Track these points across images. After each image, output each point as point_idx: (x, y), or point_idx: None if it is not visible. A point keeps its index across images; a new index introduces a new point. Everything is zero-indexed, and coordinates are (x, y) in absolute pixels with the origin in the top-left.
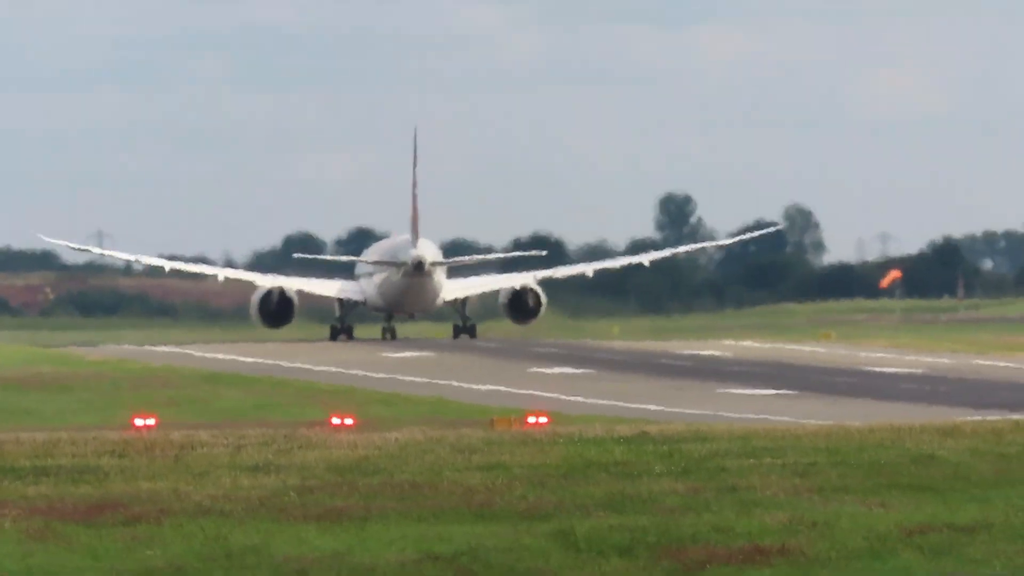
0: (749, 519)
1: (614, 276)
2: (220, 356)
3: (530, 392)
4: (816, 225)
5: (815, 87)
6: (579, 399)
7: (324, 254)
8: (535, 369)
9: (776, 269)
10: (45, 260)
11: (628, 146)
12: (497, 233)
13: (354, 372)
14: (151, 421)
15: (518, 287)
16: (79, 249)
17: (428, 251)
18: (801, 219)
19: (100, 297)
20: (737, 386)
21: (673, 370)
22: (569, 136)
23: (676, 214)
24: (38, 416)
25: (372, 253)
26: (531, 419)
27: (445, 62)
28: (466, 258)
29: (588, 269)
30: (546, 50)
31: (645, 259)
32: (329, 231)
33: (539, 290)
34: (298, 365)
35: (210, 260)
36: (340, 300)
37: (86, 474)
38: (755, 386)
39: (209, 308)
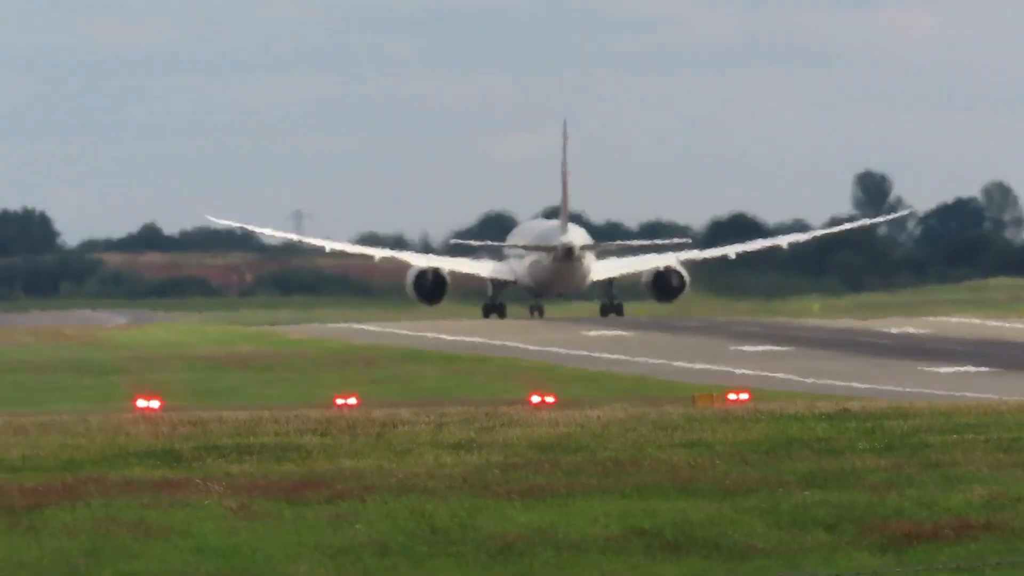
0: (953, 494)
1: (812, 253)
2: (421, 334)
3: (731, 369)
4: (1015, 201)
5: (1012, 63)
6: (780, 376)
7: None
8: (735, 347)
9: (976, 245)
10: (245, 240)
11: (824, 125)
12: (695, 214)
13: (554, 350)
14: (352, 400)
15: (662, 268)
16: (247, 231)
17: (577, 236)
18: (1000, 195)
19: (300, 277)
20: (939, 363)
21: (874, 348)
22: (764, 116)
23: (874, 192)
24: (240, 395)
25: (521, 235)
26: (732, 396)
27: (637, 43)
28: (612, 243)
29: (731, 251)
30: (738, 30)
31: (784, 240)
32: (525, 209)
33: (682, 270)
34: (499, 343)
35: (407, 240)
36: (492, 280)
37: (289, 452)
38: (957, 363)
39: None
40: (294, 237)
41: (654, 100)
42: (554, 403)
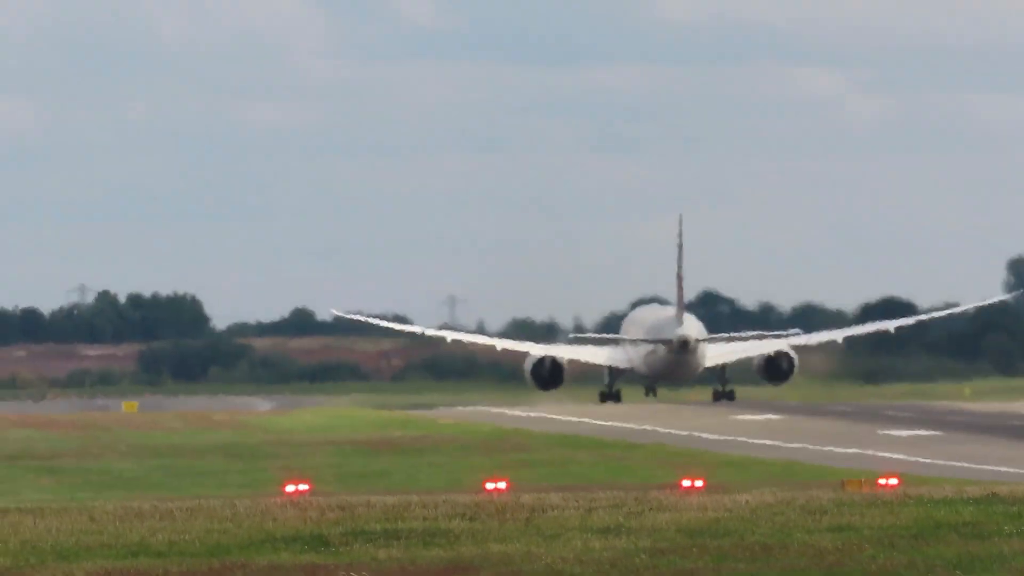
0: None
1: (964, 337)
2: (571, 419)
3: (880, 454)
4: None
5: None
6: (929, 461)
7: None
8: (885, 432)
9: None
10: (398, 325)
11: (976, 209)
12: (847, 297)
13: (704, 435)
14: (502, 484)
15: (772, 353)
16: (362, 321)
17: (693, 330)
18: None
19: (451, 362)
20: None
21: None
22: (917, 200)
23: None
24: (389, 479)
25: (634, 324)
26: (882, 480)
27: (792, 125)
28: (723, 335)
29: (839, 336)
30: (891, 113)
31: (891, 325)
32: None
33: (792, 353)
34: (649, 427)
35: (559, 325)
36: (609, 367)
37: (437, 537)
38: None
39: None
40: (417, 329)
41: (807, 183)
42: (703, 488)
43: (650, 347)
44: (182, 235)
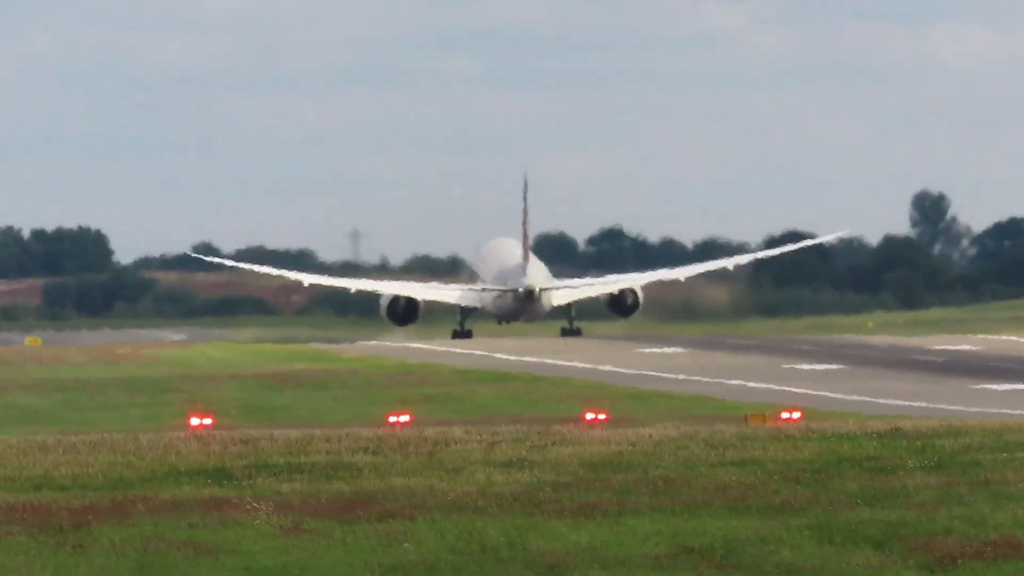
0: (1003, 513)
1: (868, 271)
2: (477, 352)
3: (784, 388)
4: None
5: None
6: (833, 395)
7: (576, 251)
8: (789, 365)
9: None
10: (301, 259)
11: (881, 144)
12: (750, 231)
13: (608, 368)
14: (405, 418)
15: (616, 291)
16: (221, 263)
17: (538, 278)
18: None
19: (356, 297)
20: (991, 381)
21: (927, 366)
22: (821, 135)
23: (931, 211)
24: (292, 413)
25: (484, 261)
26: (784, 415)
27: (695, 60)
28: (573, 281)
29: (681, 275)
30: (795, 48)
31: (729, 263)
32: (580, 230)
33: (638, 291)
34: (552, 362)
35: (460, 259)
36: (461, 307)
37: (340, 470)
38: (1010, 381)
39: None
40: (273, 271)
41: (711, 117)
42: (606, 421)
43: (498, 293)
44: (86, 170)
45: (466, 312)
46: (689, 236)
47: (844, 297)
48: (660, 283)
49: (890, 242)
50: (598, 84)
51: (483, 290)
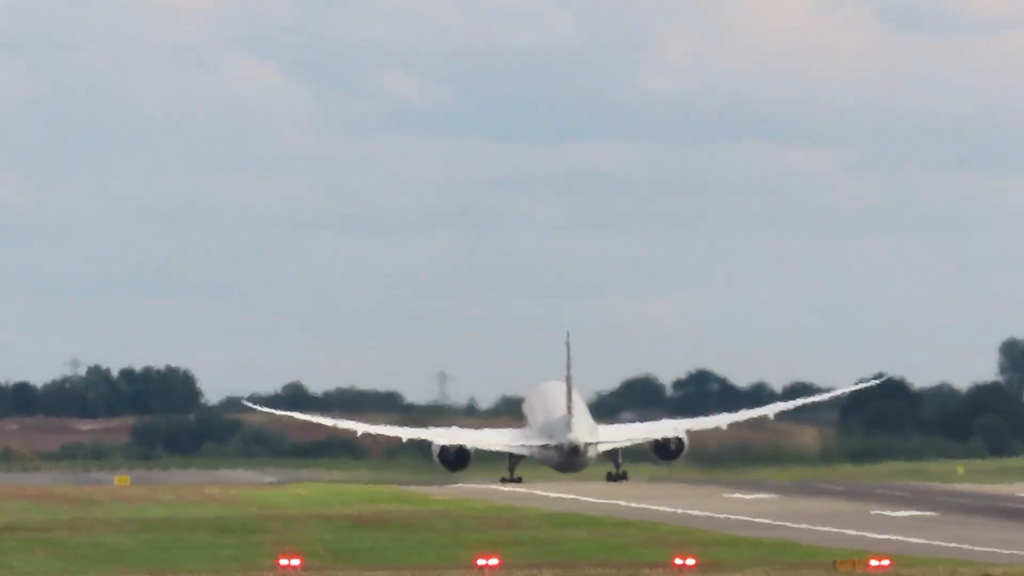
0: None
1: (957, 417)
2: (565, 496)
3: (874, 535)
4: None
5: None
6: (923, 541)
7: (663, 395)
8: (878, 512)
9: None
10: (389, 400)
11: (968, 290)
12: (840, 374)
13: (696, 513)
14: (494, 561)
15: (660, 438)
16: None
17: (582, 434)
18: None
19: None
20: None
21: (1017, 513)
22: (910, 280)
23: (1020, 358)
24: (381, 555)
25: (534, 408)
26: (874, 562)
27: (781, 204)
28: (620, 440)
29: (723, 422)
30: (880, 194)
31: (770, 411)
32: (667, 373)
33: (683, 436)
34: (641, 506)
35: None
36: (509, 455)
37: None
38: None
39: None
40: (328, 422)
41: (798, 261)
42: (695, 566)
43: (543, 445)
44: (174, 310)
45: (515, 459)
46: (778, 380)
47: (933, 443)
48: (751, 426)
49: (979, 389)
50: (683, 227)
51: (530, 442)
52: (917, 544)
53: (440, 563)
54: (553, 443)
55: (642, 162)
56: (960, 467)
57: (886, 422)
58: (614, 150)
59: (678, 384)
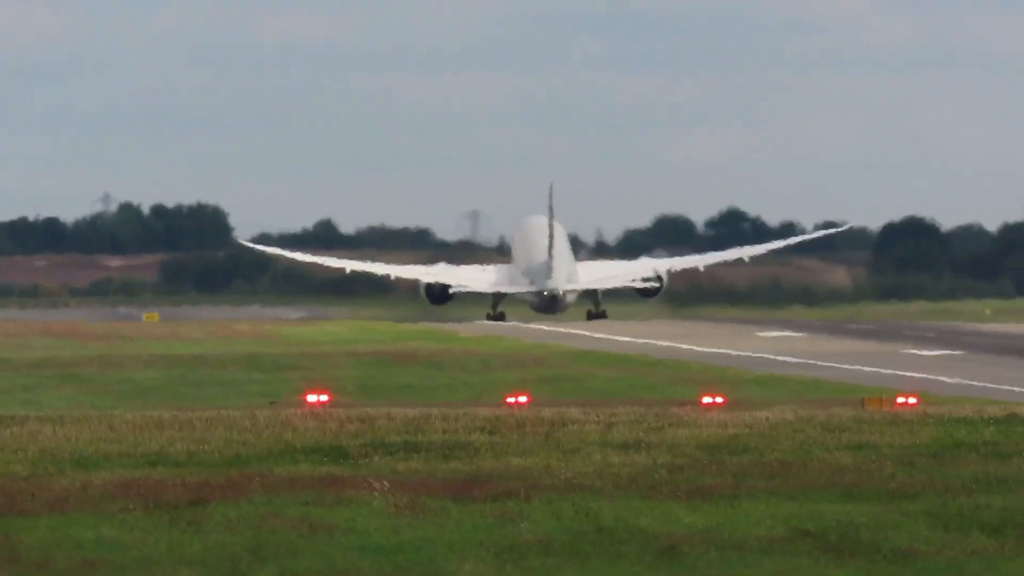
0: None
1: (986, 257)
2: (592, 334)
3: (901, 373)
4: None
5: None
6: (950, 380)
7: (695, 233)
8: (906, 351)
9: None
10: (420, 238)
11: (999, 132)
12: (870, 215)
13: (726, 352)
14: (523, 398)
15: (640, 279)
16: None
17: (561, 281)
18: None
19: None
20: None
21: None
22: (941, 122)
23: None
24: (410, 392)
25: (518, 245)
26: (901, 400)
27: (814, 45)
28: (598, 269)
29: (701, 263)
30: (916, 33)
31: (745, 253)
32: (700, 212)
33: (662, 274)
34: (665, 344)
35: (580, 239)
36: (492, 293)
37: (456, 450)
38: None
39: None
40: (318, 260)
41: (831, 101)
42: (723, 404)
43: (524, 290)
44: (206, 146)
45: (498, 296)
46: (809, 218)
47: (962, 283)
48: (781, 264)
49: (1008, 229)
50: (719, 67)
51: (511, 286)
52: (945, 383)
53: (469, 400)
54: (533, 289)
55: (678, 2)
56: (987, 308)
57: (916, 262)
58: None
59: (710, 223)
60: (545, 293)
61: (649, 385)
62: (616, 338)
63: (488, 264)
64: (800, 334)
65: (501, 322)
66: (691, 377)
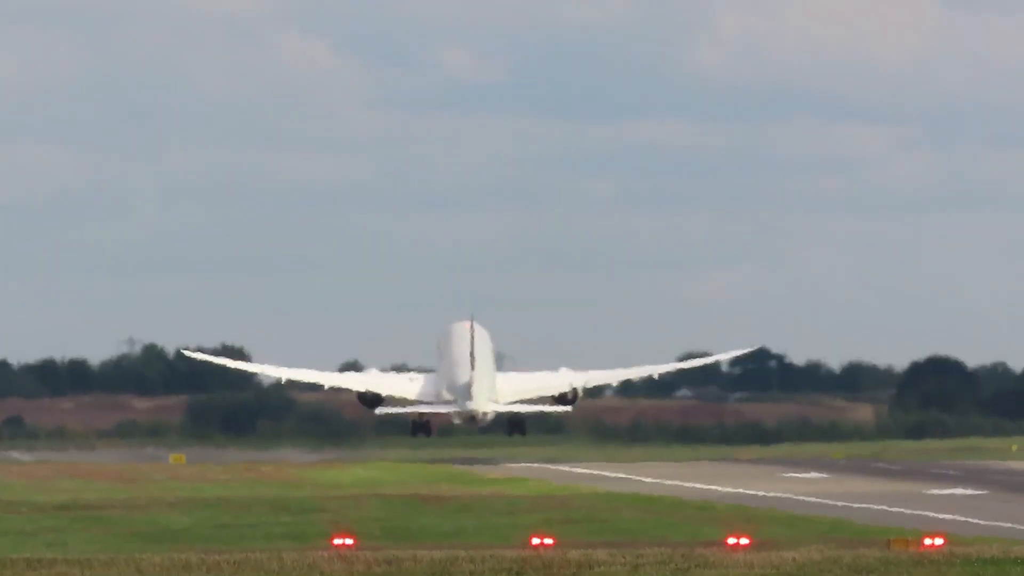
0: None
1: (1013, 395)
2: (618, 475)
3: (927, 513)
4: None
5: None
6: (976, 520)
7: (720, 372)
8: (932, 491)
9: None
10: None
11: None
12: (895, 355)
13: (750, 492)
14: (549, 540)
15: (556, 394)
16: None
17: (481, 404)
18: None
19: (498, 417)
20: None
21: None
22: (965, 260)
23: None
24: (436, 534)
25: (443, 354)
26: (928, 540)
27: (834, 183)
28: (517, 397)
29: (615, 378)
30: (934, 172)
31: (655, 371)
32: (723, 350)
33: (579, 388)
34: (693, 485)
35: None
36: (419, 401)
37: None
38: None
39: (606, 425)
40: (263, 369)
41: (853, 241)
42: (749, 545)
43: (446, 406)
44: (230, 287)
45: (424, 407)
46: (836, 359)
47: (989, 421)
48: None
49: None
50: (735, 205)
51: (434, 402)
52: (970, 523)
53: (495, 543)
54: (455, 409)
55: (694, 138)
56: (1014, 445)
57: (941, 400)
58: (667, 126)
59: (735, 361)
60: (465, 414)
61: (675, 525)
62: (644, 479)
63: (417, 373)
64: (825, 474)
65: (427, 435)
66: (717, 518)
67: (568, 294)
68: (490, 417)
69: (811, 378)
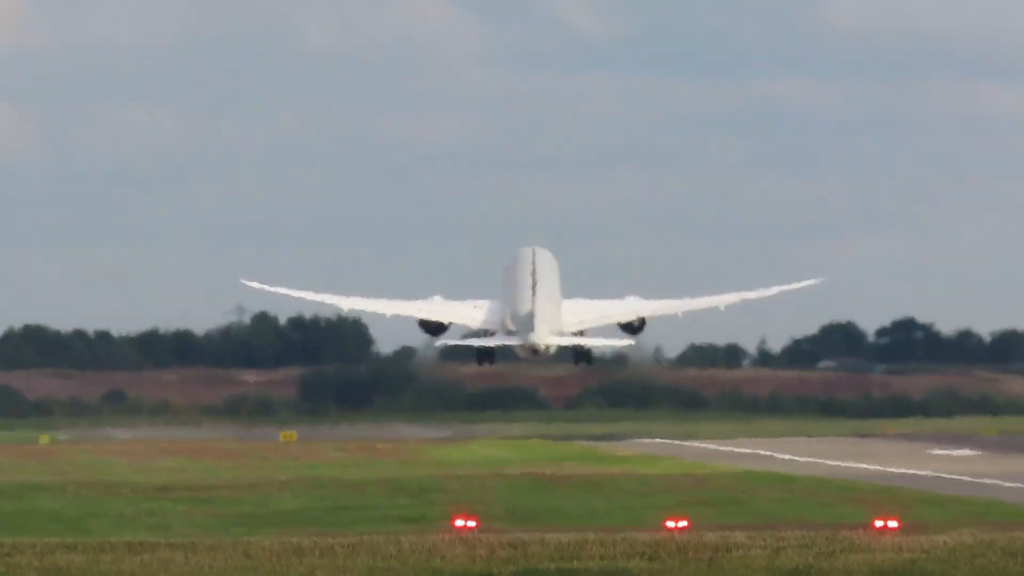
0: None
1: None
2: (754, 452)
3: None
4: None
5: None
6: None
7: (865, 342)
8: None
9: None
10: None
11: None
12: None
13: (895, 470)
14: (684, 522)
15: (623, 320)
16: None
17: (543, 337)
18: None
19: (629, 388)
20: None
21: None
22: None
23: None
24: (563, 515)
25: (507, 284)
26: None
27: (977, 144)
28: (586, 320)
29: (680, 308)
30: None
31: (720, 302)
32: (869, 320)
33: (644, 316)
34: (836, 463)
35: (742, 348)
36: (484, 330)
37: None
38: None
39: (743, 398)
40: (318, 298)
41: (1002, 206)
42: (898, 528)
43: (509, 334)
44: (347, 255)
45: (488, 335)
46: (985, 327)
47: None
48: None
49: None
50: (884, 170)
51: (501, 327)
52: None
53: (627, 525)
54: (517, 341)
55: (830, 100)
56: None
57: None
58: (800, 87)
59: (881, 332)
60: (527, 346)
61: (816, 506)
62: (779, 456)
63: (481, 301)
64: (977, 451)
65: (490, 364)
66: (862, 498)
67: (700, 262)
68: (552, 351)
69: (960, 348)
